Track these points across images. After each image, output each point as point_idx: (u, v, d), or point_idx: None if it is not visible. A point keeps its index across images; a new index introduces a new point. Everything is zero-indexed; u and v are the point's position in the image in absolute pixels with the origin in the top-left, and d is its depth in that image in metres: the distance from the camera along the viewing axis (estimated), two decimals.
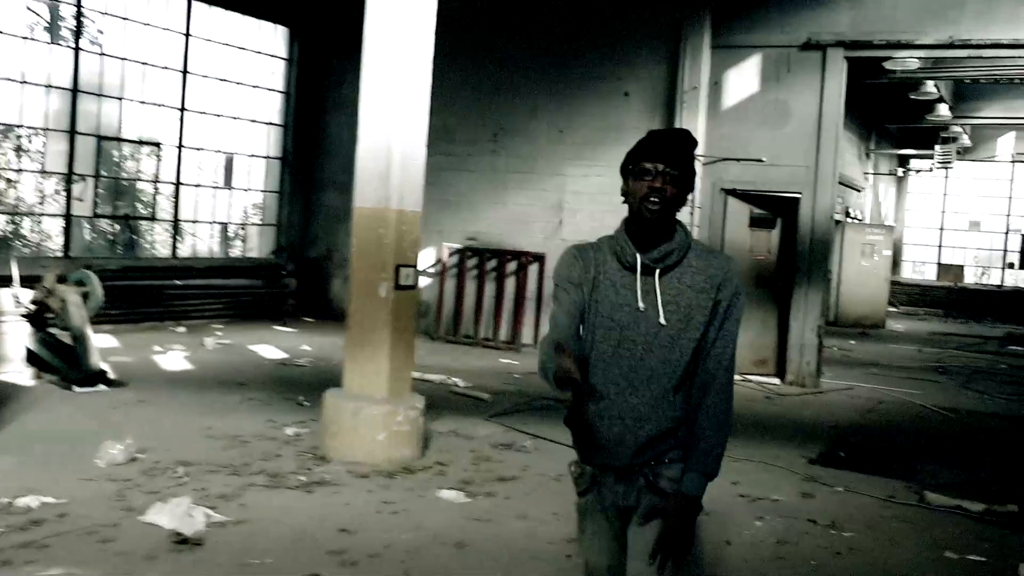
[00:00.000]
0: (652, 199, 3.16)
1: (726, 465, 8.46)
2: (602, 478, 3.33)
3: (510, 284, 15.54)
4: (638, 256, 3.23)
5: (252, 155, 17.30)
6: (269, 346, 13.77)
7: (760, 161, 13.61)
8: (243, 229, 18.00)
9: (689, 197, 3.25)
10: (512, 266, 15.53)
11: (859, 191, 26.32)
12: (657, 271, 3.23)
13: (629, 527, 3.31)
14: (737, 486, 7.82)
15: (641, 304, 3.22)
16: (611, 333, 3.24)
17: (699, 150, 13.76)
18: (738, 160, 13.76)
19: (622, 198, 3.25)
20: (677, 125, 13.85)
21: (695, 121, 13.85)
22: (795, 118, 13.48)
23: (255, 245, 17.87)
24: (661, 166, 3.16)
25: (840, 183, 18.71)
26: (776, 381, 13.58)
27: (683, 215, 13.72)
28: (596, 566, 3.43)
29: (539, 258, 15.29)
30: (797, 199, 13.53)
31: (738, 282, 3.25)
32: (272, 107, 17.50)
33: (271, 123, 17.49)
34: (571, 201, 15.06)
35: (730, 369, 3.26)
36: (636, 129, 14.50)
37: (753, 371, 13.77)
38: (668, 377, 3.22)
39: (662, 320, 3.20)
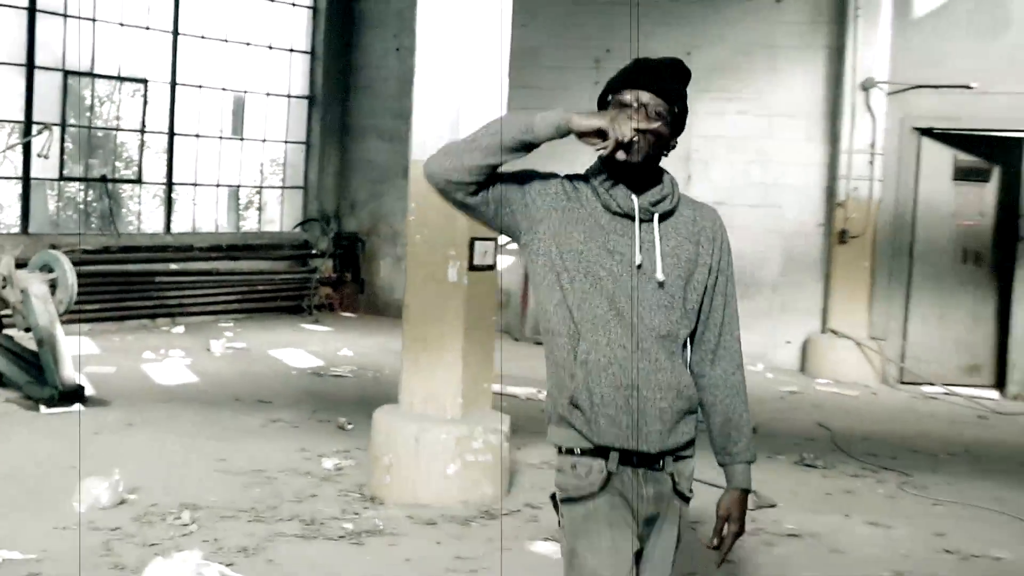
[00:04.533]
0: (636, 138, 3.39)
1: (924, 510, 8.29)
2: (618, 472, 3.50)
3: None
4: (634, 199, 3.49)
5: (270, 94, 17.48)
6: (297, 350, 13.95)
7: (967, 88, 13.37)
8: (259, 194, 18.24)
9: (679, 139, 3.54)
10: None
11: None
12: (656, 217, 3.51)
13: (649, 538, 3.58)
14: (943, 538, 7.69)
15: (638, 258, 3.46)
16: (598, 286, 3.46)
17: (882, 73, 13.66)
18: (935, 88, 13.55)
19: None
20: (851, 39, 13.82)
21: (874, 33, 13.72)
22: (1020, 23, 13.24)
23: (275, 216, 18.11)
24: (647, 97, 3.50)
25: None
26: (994, 395, 13.43)
27: (860, 164, 13.68)
28: None
29: None
30: (1022, 140, 13.29)
31: (727, 236, 3.64)
32: (296, 28, 17.63)
33: (294, 50, 17.64)
34: (701, 149, 14.93)
35: (740, 340, 3.66)
36: (791, 48, 14.42)
37: (960, 381, 13.61)
38: (673, 342, 3.50)
39: (659, 276, 3.47)
